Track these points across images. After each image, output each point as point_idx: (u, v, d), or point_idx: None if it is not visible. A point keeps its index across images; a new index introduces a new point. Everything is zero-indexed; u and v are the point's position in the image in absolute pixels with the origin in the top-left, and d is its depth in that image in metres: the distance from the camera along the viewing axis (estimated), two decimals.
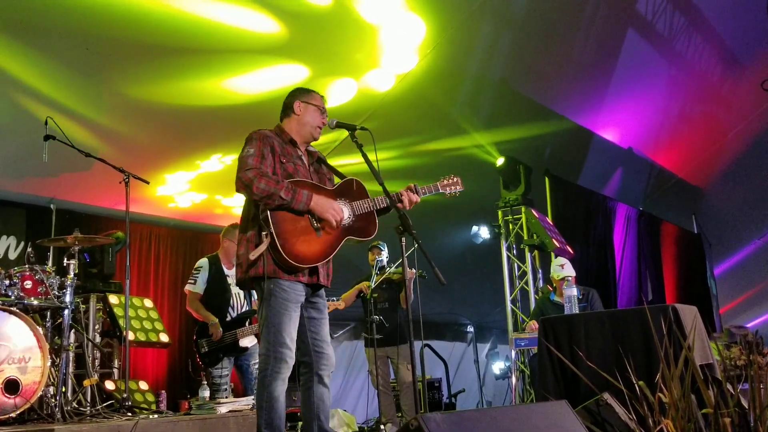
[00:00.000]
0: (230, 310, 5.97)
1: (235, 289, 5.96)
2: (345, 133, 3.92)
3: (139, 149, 7.26)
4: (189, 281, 6.05)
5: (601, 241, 10.35)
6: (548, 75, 8.08)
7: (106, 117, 6.77)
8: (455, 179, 4.06)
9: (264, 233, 3.57)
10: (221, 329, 5.80)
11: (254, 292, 4.91)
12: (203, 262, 6.10)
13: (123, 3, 5.46)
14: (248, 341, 5.87)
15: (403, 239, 3.57)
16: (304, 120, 3.85)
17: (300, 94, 3.92)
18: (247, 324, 5.89)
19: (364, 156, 3.70)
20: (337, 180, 3.96)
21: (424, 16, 6.42)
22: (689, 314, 3.97)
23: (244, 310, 6.01)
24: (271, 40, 6.22)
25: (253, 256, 3.57)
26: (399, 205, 3.75)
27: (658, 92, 9.31)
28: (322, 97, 3.98)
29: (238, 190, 3.63)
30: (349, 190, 3.82)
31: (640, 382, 3.19)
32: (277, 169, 3.68)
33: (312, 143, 3.97)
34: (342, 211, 3.68)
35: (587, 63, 8.02)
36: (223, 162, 7.95)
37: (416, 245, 3.52)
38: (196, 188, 8.49)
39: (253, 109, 6.80)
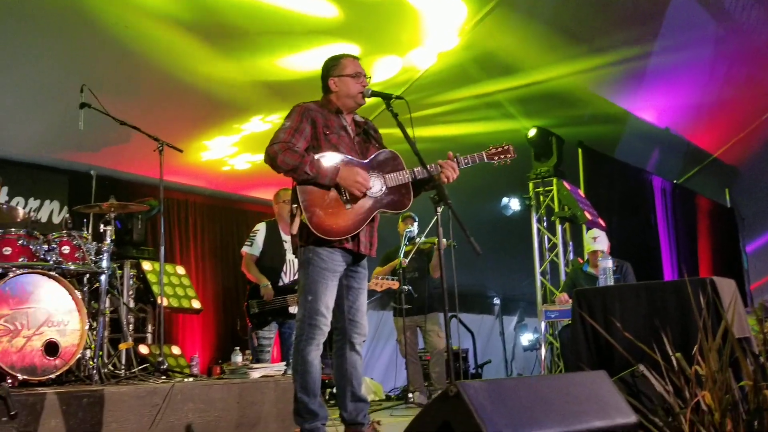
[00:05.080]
0: (282, 275, 6.00)
1: (290, 256, 6.00)
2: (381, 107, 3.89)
3: (174, 119, 7.36)
4: (246, 243, 6.11)
5: (639, 214, 10.28)
6: (583, 57, 7.97)
7: (144, 92, 6.92)
8: (506, 146, 3.90)
9: (295, 205, 3.62)
10: (273, 291, 5.86)
11: None
12: (260, 225, 6.17)
13: None
14: (296, 308, 5.88)
15: (438, 209, 3.55)
16: (343, 93, 3.82)
17: (331, 68, 3.86)
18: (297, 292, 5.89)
19: (400, 125, 3.65)
20: None
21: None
22: (727, 287, 3.94)
23: (296, 277, 6.02)
24: (329, 22, 6.50)
25: (294, 229, 3.63)
26: (443, 177, 3.70)
27: (703, 54, 9.09)
28: (355, 58, 3.92)
29: (265, 162, 3.66)
30: (384, 162, 3.78)
31: (677, 354, 3.17)
32: (321, 141, 3.68)
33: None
34: (370, 182, 3.66)
35: (627, 39, 7.87)
36: (268, 122, 8.04)
37: (451, 215, 3.49)
38: (246, 149, 8.57)
39: (306, 84, 6.86)
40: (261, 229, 6.12)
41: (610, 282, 4.90)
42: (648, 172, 10.98)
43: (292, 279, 6.02)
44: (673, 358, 3.18)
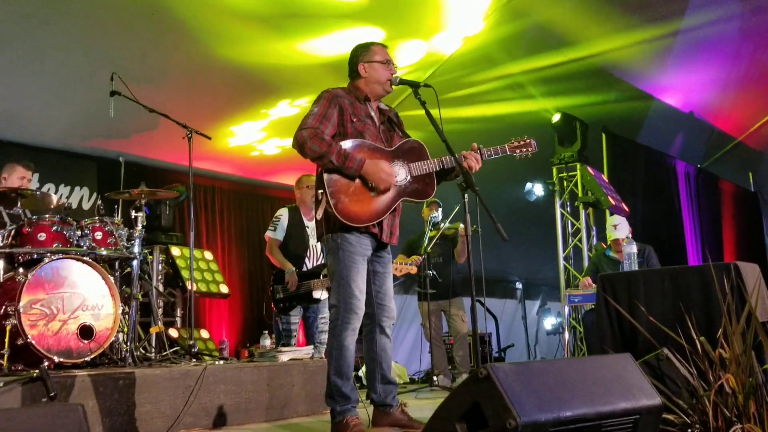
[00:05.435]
0: (306, 260, 6.06)
1: (312, 241, 6.06)
2: (407, 92, 3.93)
3: (200, 106, 7.45)
4: (269, 228, 6.14)
5: (662, 198, 10.26)
6: (608, 38, 7.95)
7: (168, 75, 6.99)
8: (528, 140, 3.97)
9: (320, 191, 3.65)
10: (297, 278, 5.91)
11: None
12: (283, 210, 6.20)
13: None
14: (320, 293, 5.94)
15: (466, 195, 3.61)
16: (372, 79, 3.86)
17: (361, 54, 3.90)
18: (321, 276, 5.92)
19: (428, 113, 3.69)
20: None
21: None
22: (751, 272, 3.96)
23: (320, 262, 6.10)
24: (353, 6, 6.54)
25: (318, 215, 3.68)
26: (466, 166, 3.74)
27: (728, 38, 9.03)
28: (383, 46, 3.97)
29: (293, 146, 3.69)
30: (410, 151, 3.82)
31: (701, 338, 3.22)
32: (347, 128, 3.72)
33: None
34: (395, 174, 3.70)
35: (653, 16, 7.84)
36: (296, 106, 8.11)
37: (478, 201, 3.54)
38: (275, 134, 8.64)
39: (329, 69, 7.00)
40: (284, 214, 6.15)
41: (635, 267, 4.92)
42: (671, 156, 10.94)
43: (315, 264, 6.09)
44: (697, 341, 3.23)
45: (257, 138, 8.71)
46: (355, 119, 3.77)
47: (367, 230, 3.71)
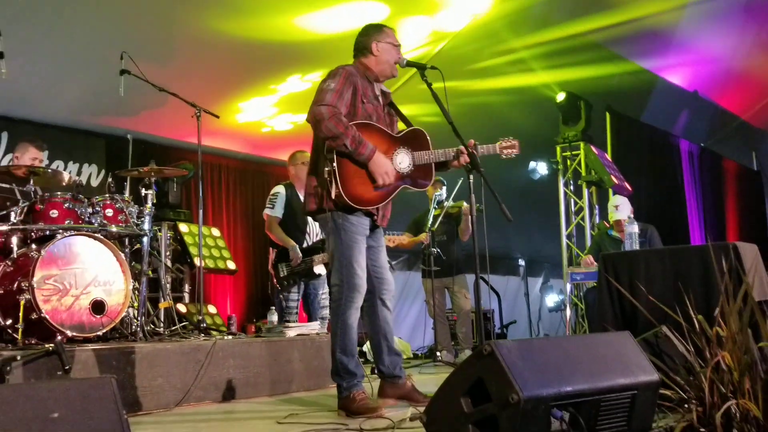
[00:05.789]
0: (306, 236, 6.10)
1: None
2: (410, 73, 3.98)
3: (208, 82, 7.49)
4: (267, 206, 6.12)
5: (666, 177, 10.31)
6: (613, 15, 7.95)
7: (176, 52, 7.02)
8: (513, 142, 4.06)
9: (327, 170, 3.66)
10: (300, 254, 5.95)
11: None
12: (279, 188, 6.17)
13: None
14: (320, 269, 6.01)
15: (471, 176, 3.69)
16: (383, 59, 3.88)
17: (375, 33, 3.92)
18: (322, 252, 5.94)
19: (434, 95, 3.76)
20: (402, 126, 4.01)
21: None
22: (750, 252, 4.04)
23: (319, 238, 6.14)
24: None
25: (333, 194, 3.65)
26: (455, 163, 3.89)
27: (733, 16, 9.02)
28: (393, 30, 4.00)
29: (308, 121, 3.69)
30: (414, 139, 3.88)
31: (699, 316, 3.30)
32: (358, 109, 3.75)
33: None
34: (393, 174, 3.73)
35: None
36: (307, 81, 8.09)
37: (483, 182, 3.62)
38: (288, 109, 8.64)
39: (335, 43, 6.92)
40: (281, 191, 6.13)
41: (636, 246, 5.01)
42: (675, 135, 10.99)
43: (315, 239, 6.13)
44: (695, 320, 3.32)
45: (267, 114, 8.72)
46: (365, 100, 3.80)
47: (368, 212, 3.79)
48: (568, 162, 8.99)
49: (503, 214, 3.46)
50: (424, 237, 6.99)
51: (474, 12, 7.35)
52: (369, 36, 3.92)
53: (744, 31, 9.19)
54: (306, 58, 7.55)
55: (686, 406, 3.13)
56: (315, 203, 3.81)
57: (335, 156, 3.64)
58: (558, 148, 9.00)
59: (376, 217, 3.86)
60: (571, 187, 9.11)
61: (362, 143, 3.62)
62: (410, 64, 3.93)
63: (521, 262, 15.27)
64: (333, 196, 3.66)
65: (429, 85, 3.81)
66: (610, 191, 8.28)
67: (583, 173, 8.74)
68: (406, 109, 4.15)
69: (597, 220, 8.84)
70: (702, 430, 3.03)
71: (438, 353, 7.19)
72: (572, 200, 9.11)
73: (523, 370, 2.38)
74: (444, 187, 7.21)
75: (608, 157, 8.84)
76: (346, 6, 6.79)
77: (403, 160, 3.82)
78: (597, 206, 8.94)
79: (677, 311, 3.42)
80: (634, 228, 5.03)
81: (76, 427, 1.67)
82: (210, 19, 6.76)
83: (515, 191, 10.13)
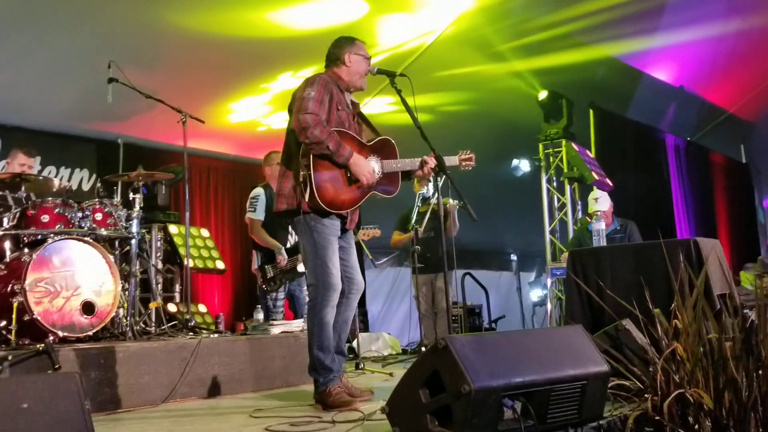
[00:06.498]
0: (289, 236, 6.17)
1: None
2: (385, 80, 4.12)
3: (197, 86, 7.63)
4: (249, 210, 6.18)
5: (651, 172, 10.44)
6: (597, 13, 8.07)
7: (163, 57, 7.16)
8: (471, 155, 4.26)
9: (303, 174, 3.82)
10: (287, 254, 6.06)
11: None
12: (258, 190, 6.23)
13: None
14: (303, 267, 6.15)
15: (439, 178, 3.87)
16: (354, 70, 4.05)
17: (347, 44, 4.08)
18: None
19: (404, 102, 3.93)
20: (370, 135, 4.17)
21: None
22: (710, 247, 4.21)
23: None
24: None
25: (306, 198, 3.80)
26: (419, 173, 4.08)
27: (716, 9, 9.11)
28: (365, 43, 4.17)
29: (293, 127, 3.85)
30: (383, 148, 4.06)
31: (656, 310, 3.48)
32: (332, 116, 3.90)
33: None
34: (375, 174, 3.93)
35: None
36: (299, 77, 8.05)
37: (450, 184, 3.80)
38: (282, 107, 8.56)
39: (309, 44, 6.92)
40: (261, 193, 6.18)
41: (603, 242, 5.17)
42: (660, 130, 11.11)
43: (296, 238, 6.27)
44: (654, 313, 3.49)
45: (262, 113, 8.80)
46: (339, 107, 3.96)
47: (339, 215, 3.96)
48: (551, 159, 9.16)
49: (468, 214, 3.64)
50: (410, 236, 7.13)
51: (457, 10, 7.40)
52: (342, 47, 4.09)
53: (727, 23, 9.27)
54: (294, 55, 7.60)
55: (644, 395, 3.31)
56: (284, 203, 3.96)
57: (310, 162, 3.79)
58: (540, 146, 9.17)
59: (347, 220, 4.04)
60: (554, 184, 9.28)
61: (342, 146, 3.80)
62: (381, 72, 4.09)
63: (513, 257, 15.42)
64: (307, 200, 3.80)
65: (399, 92, 3.98)
66: (595, 187, 8.43)
67: (566, 170, 8.90)
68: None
69: (579, 215, 9.01)
70: (656, 418, 3.21)
71: (424, 348, 7.33)
72: (555, 196, 9.28)
73: (475, 363, 2.55)
74: (430, 184, 7.34)
75: (590, 153, 8.99)
76: (324, 2, 6.82)
77: (375, 168, 3.98)
78: (579, 202, 9.11)
79: (640, 305, 3.60)
80: (602, 225, 5.19)
81: (43, 416, 1.87)
82: (172, 14, 6.77)
83: (503, 187, 10.30)
